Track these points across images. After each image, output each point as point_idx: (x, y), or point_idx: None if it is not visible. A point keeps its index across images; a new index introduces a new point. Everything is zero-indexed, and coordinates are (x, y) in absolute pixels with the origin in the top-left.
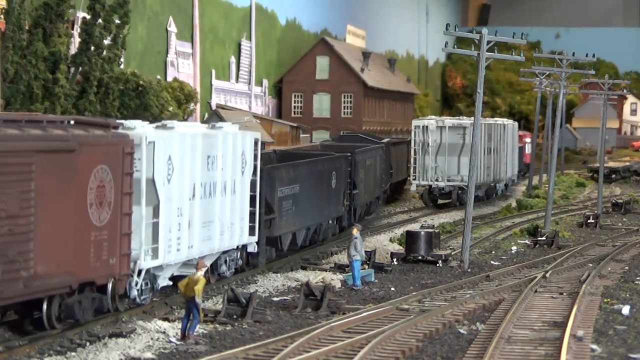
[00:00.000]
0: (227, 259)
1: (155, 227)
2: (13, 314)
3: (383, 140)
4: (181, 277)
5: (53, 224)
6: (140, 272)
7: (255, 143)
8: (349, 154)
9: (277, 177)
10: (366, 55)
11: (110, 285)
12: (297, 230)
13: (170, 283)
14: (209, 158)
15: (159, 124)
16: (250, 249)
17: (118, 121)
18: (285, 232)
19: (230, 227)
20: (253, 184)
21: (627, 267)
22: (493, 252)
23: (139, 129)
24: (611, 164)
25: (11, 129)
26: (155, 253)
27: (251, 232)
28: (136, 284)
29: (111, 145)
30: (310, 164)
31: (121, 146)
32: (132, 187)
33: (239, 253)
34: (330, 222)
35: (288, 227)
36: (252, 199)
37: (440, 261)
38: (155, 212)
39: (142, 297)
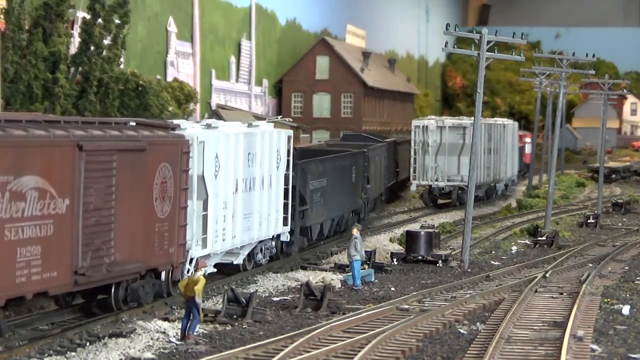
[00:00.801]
0: (263, 247)
1: (205, 219)
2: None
3: (389, 139)
4: (223, 264)
5: (128, 216)
6: (191, 260)
7: (288, 140)
8: (365, 150)
9: (309, 171)
10: (366, 55)
11: (168, 272)
12: (324, 221)
13: (215, 270)
14: (249, 155)
15: (204, 124)
16: (283, 238)
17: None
18: (315, 222)
19: (267, 218)
20: (286, 178)
21: (627, 267)
22: (493, 252)
23: (190, 129)
24: (611, 164)
25: (95, 130)
26: (204, 243)
27: (284, 222)
28: (188, 271)
29: (172, 145)
30: (335, 159)
31: (180, 146)
32: (188, 183)
33: (273, 242)
34: (351, 214)
35: (317, 218)
36: (285, 191)
37: (440, 261)
38: (205, 206)
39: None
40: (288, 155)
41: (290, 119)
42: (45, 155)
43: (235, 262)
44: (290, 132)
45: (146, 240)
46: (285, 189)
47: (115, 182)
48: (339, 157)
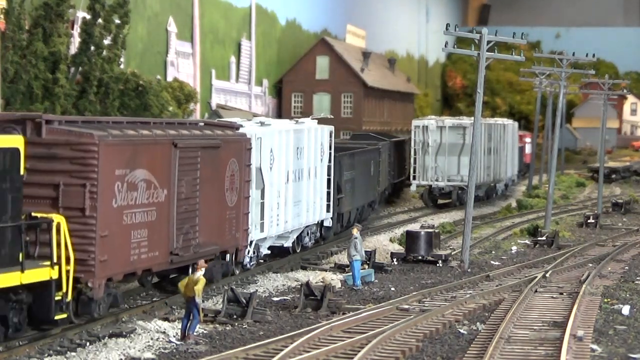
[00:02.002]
0: (309, 231)
1: (262, 206)
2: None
3: (396, 139)
4: (275, 247)
5: (207, 205)
6: (251, 243)
7: (330, 135)
8: (380, 146)
9: (344, 163)
10: (366, 55)
11: (232, 254)
12: (352, 209)
13: (269, 252)
14: (298, 149)
15: (257, 121)
16: (326, 223)
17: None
18: (347, 210)
19: (313, 205)
20: (328, 169)
21: (627, 267)
22: (493, 252)
23: (248, 127)
24: (611, 164)
25: (183, 129)
26: (262, 227)
27: (327, 209)
28: (248, 252)
29: (238, 142)
30: (361, 153)
31: (243, 143)
32: (250, 176)
33: (316, 227)
34: (367, 205)
35: (349, 206)
36: (327, 181)
37: (440, 261)
38: (262, 195)
39: (250, 264)
40: (330, 149)
41: (332, 116)
42: (150, 152)
43: (285, 245)
44: (332, 128)
45: (220, 226)
46: (327, 179)
47: (199, 175)
48: (364, 151)
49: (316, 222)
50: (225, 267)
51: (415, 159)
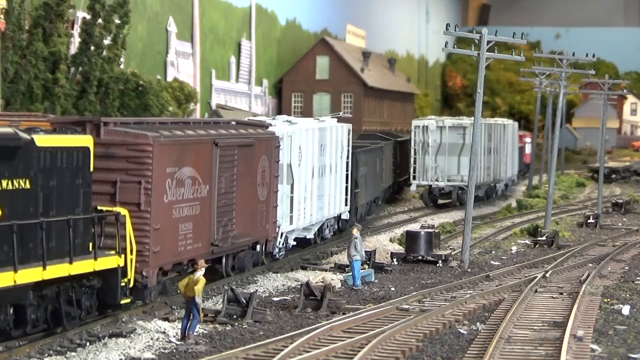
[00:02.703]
0: (329, 224)
1: (291, 200)
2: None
3: (401, 138)
4: (298, 238)
5: (242, 198)
6: (281, 234)
7: (348, 132)
8: (387, 145)
9: (360, 159)
10: (366, 55)
11: (262, 245)
12: (365, 203)
13: (295, 243)
14: (321, 146)
15: (285, 120)
16: (344, 217)
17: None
18: (362, 203)
19: (334, 199)
20: (347, 165)
21: (627, 267)
22: (493, 252)
23: (278, 126)
24: (611, 164)
25: (221, 129)
26: (291, 220)
27: (345, 203)
28: (278, 243)
29: (269, 141)
30: (372, 151)
31: (273, 141)
32: (279, 171)
33: (335, 220)
34: (374, 200)
35: (363, 200)
36: (346, 177)
37: (440, 261)
38: (291, 189)
39: (280, 254)
40: (348, 146)
41: (350, 114)
42: (195, 151)
43: (308, 237)
44: (350, 126)
45: (252, 218)
46: (346, 174)
47: (236, 171)
48: (374, 149)
49: (335, 215)
50: (255, 257)
51: (415, 159)
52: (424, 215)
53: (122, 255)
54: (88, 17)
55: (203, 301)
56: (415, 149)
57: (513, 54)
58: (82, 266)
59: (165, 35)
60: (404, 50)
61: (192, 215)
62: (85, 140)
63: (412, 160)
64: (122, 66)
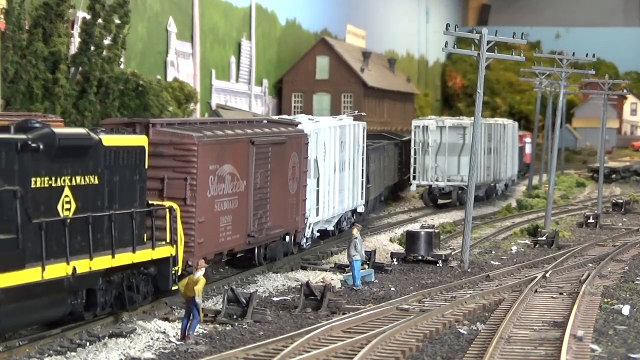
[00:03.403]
0: (346, 217)
1: (318, 193)
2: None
3: (406, 138)
4: (321, 230)
5: (275, 193)
6: (309, 225)
7: (363, 130)
8: (393, 144)
9: (371, 156)
10: (366, 55)
11: (291, 236)
12: (373, 198)
13: (318, 234)
14: (342, 143)
15: (308, 118)
16: (360, 210)
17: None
18: (372, 198)
19: (351, 193)
20: (362, 161)
21: (627, 267)
22: (493, 252)
23: (305, 124)
24: (611, 164)
25: (256, 128)
26: (317, 212)
27: (361, 197)
28: (305, 234)
29: (298, 138)
30: (380, 148)
31: (302, 138)
32: (307, 167)
33: (351, 213)
34: (379, 195)
35: (373, 194)
36: (361, 172)
37: (440, 261)
38: (317, 183)
39: (307, 244)
40: (363, 142)
41: (365, 113)
42: (234, 149)
43: (328, 229)
44: (365, 124)
45: (284, 211)
46: (361, 170)
47: (269, 167)
48: (381, 146)
49: (353, 209)
50: (285, 247)
51: (415, 159)
52: (424, 215)
53: (174, 246)
54: (88, 17)
55: (203, 301)
56: (415, 149)
57: (513, 54)
58: (143, 255)
59: (165, 35)
60: (404, 50)
61: (231, 209)
62: (141, 140)
63: (412, 160)
64: (122, 66)
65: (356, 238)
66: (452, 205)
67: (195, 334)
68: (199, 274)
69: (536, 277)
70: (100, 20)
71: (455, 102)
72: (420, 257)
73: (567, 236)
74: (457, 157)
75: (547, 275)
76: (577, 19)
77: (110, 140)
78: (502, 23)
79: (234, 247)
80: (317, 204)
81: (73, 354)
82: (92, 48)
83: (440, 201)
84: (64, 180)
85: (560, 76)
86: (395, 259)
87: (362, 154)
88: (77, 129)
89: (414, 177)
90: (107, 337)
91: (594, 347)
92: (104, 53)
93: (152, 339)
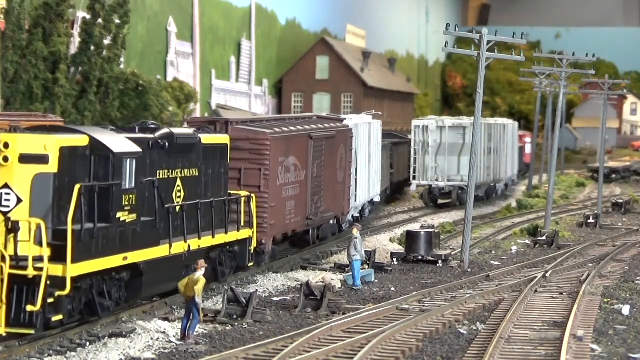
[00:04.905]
0: (367, 205)
1: (356, 182)
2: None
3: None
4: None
5: (327, 181)
6: (351, 210)
7: (380, 127)
8: (399, 142)
9: (392, 150)
10: (366, 55)
11: (337, 219)
12: (384, 189)
13: (351, 219)
14: (369, 137)
15: (343, 116)
16: (376, 199)
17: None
18: (383, 189)
19: (374, 183)
20: (381, 155)
21: (627, 267)
22: (493, 252)
23: (346, 120)
24: (611, 164)
25: (313, 124)
26: (355, 197)
27: (379, 188)
28: (348, 217)
29: (345, 132)
30: (390, 145)
31: (348, 133)
32: (352, 158)
33: (370, 202)
34: (386, 189)
35: (383, 187)
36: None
37: (440, 261)
38: (356, 172)
39: (346, 226)
40: (381, 138)
41: (380, 112)
42: (297, 143)
43: (354, 215)
44: (381, 122)
45: (334, 197)
46: (380, 163)
47: (323, 158)
48: (394, 144)
49: (373, 198)
50: (333, 228)
51: (415, 159)
52: (424, 215)
53: (252, 229)
54: (88, 17)
55: (203, 301)
56: (415, 149)
57: (513, 54)
58: (232, 236)
59: (165, 35)
60: (404, 50)
61: (294, 195)
62: (225, 138)
63: (412, 160)
64: (122, 66)
65: (356, 238)
66: (452, 205)
67: (195, 334)
68: (199, 274)
69: (536, 277)
70: (100, 20)
71: (455, 102)
72: (420, 257)
73: (567, 236)
74: (457, 157)
75: (547, 275)
76: (577, 19)
77: (206, 139)
78: (502, 23)
79: (296, 229)
80: (356, 190)
81: (73, 354)
82: (92, 48)
83: (440, 201)
84: (177, 172)
85: (560, 76)
86: (395, 259)
87: (380, 150)
88: (185, 129)
89: (414, 177)
90: (107, 337)
91: (594, 347)
92: (104, 53)
93: (152, 339)
